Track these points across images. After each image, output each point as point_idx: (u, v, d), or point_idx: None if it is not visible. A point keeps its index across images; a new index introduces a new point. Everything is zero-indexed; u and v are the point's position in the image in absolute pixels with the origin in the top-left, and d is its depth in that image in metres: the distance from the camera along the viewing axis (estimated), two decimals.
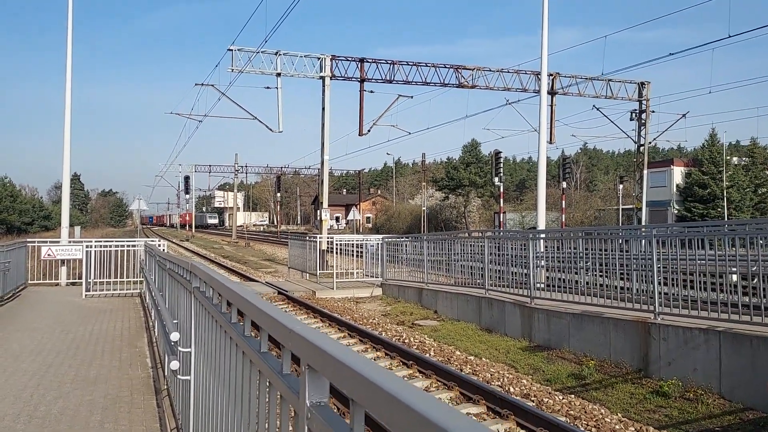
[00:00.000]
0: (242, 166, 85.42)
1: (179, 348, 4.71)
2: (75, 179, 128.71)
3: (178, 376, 4.70)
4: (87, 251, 17.11)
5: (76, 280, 19.13)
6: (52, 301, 15.50)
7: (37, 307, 14.53)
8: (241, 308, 2.56)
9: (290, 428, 1.97)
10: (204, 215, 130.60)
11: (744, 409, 8.07)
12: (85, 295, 16.33)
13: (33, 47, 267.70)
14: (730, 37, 22.67)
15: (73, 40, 20.83)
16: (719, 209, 48.51)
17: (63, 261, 19.42)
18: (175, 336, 4.76)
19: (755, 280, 8.84)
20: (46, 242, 19.55)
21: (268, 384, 2.10)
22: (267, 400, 2.17)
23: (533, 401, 8.68)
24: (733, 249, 9.14)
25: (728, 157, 52.15)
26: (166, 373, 7.02)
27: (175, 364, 4.57)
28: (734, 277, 9.44)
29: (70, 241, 20.08)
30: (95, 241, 18.22)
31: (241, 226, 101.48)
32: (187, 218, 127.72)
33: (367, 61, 30.00)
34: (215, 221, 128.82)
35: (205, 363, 3.76)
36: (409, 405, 1.00)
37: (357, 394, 1.24)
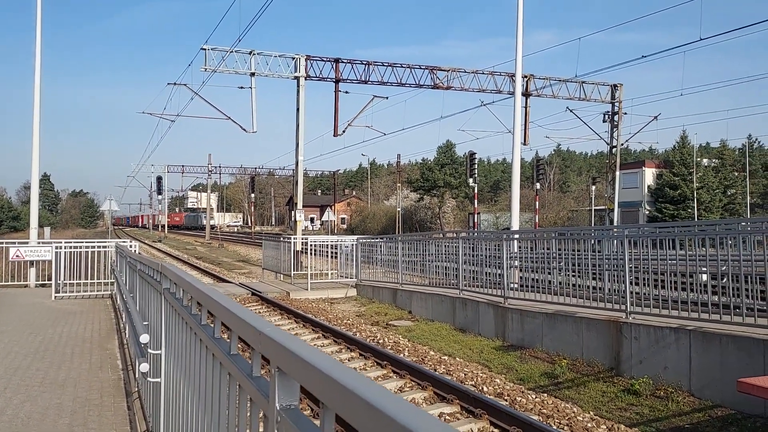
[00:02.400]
0: (216, 167, 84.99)
1: (149, 350, 4.64)
2: (45, 179, 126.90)
3: (148, 379, 4.63)
4: (57, 252, 16.83)
5: (46, 282, 18.82)
6: (20, 303, 15.22)
7: (4, 309, 14.25)
8: (211, 310, 2.51)
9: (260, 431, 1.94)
10: (198, 216, 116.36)
11: (713, 406, 8.18)
12: (55, 296, 16.07)
13: (0, 43, 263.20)
14: (701, 39, 23.03)
15: (42, 37, 20.53)
16: (689, 210, 49.22)
17: (32, 262, 19.10)
18: (144, 338, 4.69)
19: (724, 279, 8.96)
20: (15, 243, 19.20)
21: (238, 387, 2.06)
22: (237, 403, 2.13)
23: (506, 400, 8.71)
24: (703, 249, 9.26)
25: (698, 159, 52.96)
26: (136, 376, 6.92)
27: (144, 367, 4.50)
28: (704, 277, 9.55)
29: (39, 242, 19.75)
30: (65, 242, 17.92)
31: (216, 226, 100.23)
32: (177, 219, 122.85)
33: (342, 62, 29.98)
34: (212, 222, 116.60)
35: (176, 365, 3.70)
36: (380, 408, 0.98)
37: (327, 397, 1.22)
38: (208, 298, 2.60)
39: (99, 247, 17.55)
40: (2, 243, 19.24)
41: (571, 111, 34.80)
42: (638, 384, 8.96)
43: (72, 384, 7.36)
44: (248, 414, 1.98)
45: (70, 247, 17.37)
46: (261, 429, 1.86)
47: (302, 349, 1.42)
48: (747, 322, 8.30)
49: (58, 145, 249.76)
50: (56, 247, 17.06)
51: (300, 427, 1.43)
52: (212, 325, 2.56)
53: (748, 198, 52.98)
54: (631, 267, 10.09)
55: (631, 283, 10.04)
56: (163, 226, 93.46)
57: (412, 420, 0.91)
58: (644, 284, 10.12)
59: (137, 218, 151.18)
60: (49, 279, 17.71)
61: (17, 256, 18.44)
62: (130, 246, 15.43)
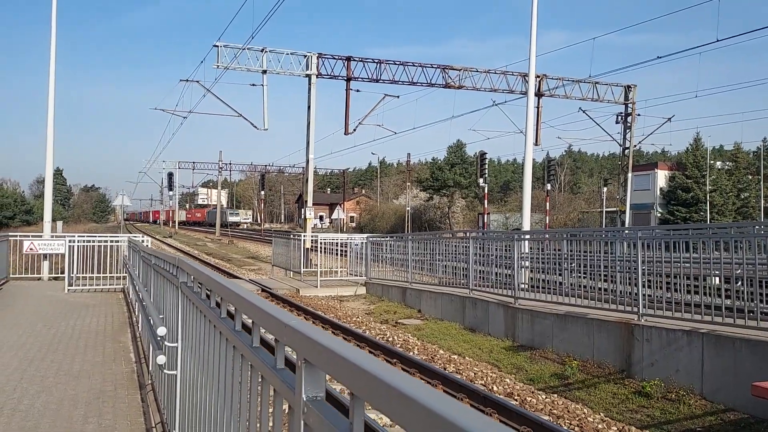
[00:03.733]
0: (226, 164, 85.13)
1: (166, 343, 4.69)
2: (57, 174, 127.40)
3: (165, 371, 4.68)
4: (70, 246, 16.98)
5: (59, 275, 18.97)
6: (34, 296, 15.36)
7: (18, 301, 14.39)
8: (233, 303, 2.55)
9: (283, 422, 1.97)
10: (223, 212, 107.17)
11: (725, 410, 8.16)
12: (68, 289, 16.21)
13: (16, 40, 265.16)
14: (718, 41, 22.76)
15: (58, 33, 20.75)
16: (702, 213, 48.94)
17: (45, 255, 19.26)
18: (161, 331, 4.74)
19: (738, 283, 8.93)
20: (29, 236, 19.38)
21: (260, 378, 2.09)
22: (259, 394, 2.16)
23: (516, 400, 8.72)
24: (716, 252, 9.23)
25: (712, 162, 52.57)
26: (150, 368, 6.99)
27: (161, 359, 4.55)
28: (716, 280, 9.53)
29: (52, 236, 19.92)
30: (78, 236, 18.09)
31: (240, 223, 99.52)
32: (198, 215, 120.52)
33: (354, 60, 29.96)
34: (237, 219, 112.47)
35: (193, 358, 3.75)
36: (413, 396, 1.00)
37: (357, 387, 1.24)
38: (229, 292, 2.63)
39: (111, 241, 17.69)
40: (16, 236, 19.43)
41: (583, 112, 34.63)
42: (649, 386, 8.94)
43: (86, 376, 7.44)
44: (270, 405, 2.00)
45: (83, 241, 17.53)
46: (283, 421, 1.89)
47: (330, 341, 1.45)
48: (762, 326, 8.27)
49: (71, 140, 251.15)
50: (69, 241, 17.21)
51: (327, 417, 1.45)
52: (233, 319, 2.59)
53: (762, 201, 52.57)
54: (643, 269, 10.07)
55: (643, 285, 10.02)
56: (175, 222, 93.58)
57: (445, 407, 0.93)
58: (656, 287, 10.10)
59: (148, 213, 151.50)
60: (62, 272, 17.86)
61: (31, 249, 18.60)
62: (142, 241, 15.54)
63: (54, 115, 20.65)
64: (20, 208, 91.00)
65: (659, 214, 51.00)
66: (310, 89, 29.06)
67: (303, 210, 29.70)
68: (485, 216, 39.19)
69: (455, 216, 71.33)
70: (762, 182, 52.83)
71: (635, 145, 37.03)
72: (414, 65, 31.10)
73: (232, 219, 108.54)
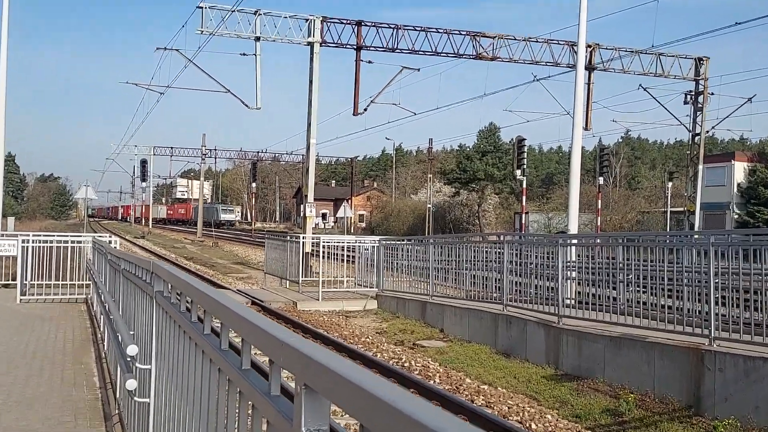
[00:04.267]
0: (211, 150, 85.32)
1: (137, 364, 4.72)
2: (9, 161, 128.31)
3: (135, 398, 4.71)
4: (23, 247, 17.08)
5: (9, 282, 19.09)
6: None
7: None
8: (219, 317, 2.55)
9: None
10: (214, 208, 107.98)
11: None
12: (20, 299, 16.32)
13: None
14: None
15: None
16: None
17: None
18: (132, 350, 4.77)
19: None
20: None
21: (251, 408, 2.10)
22: (249, 426, 2.17)
23: None
24: None
25: None
26: (117, 395, 7.03)
27: (132, 384, 4.58)
28: None
29: (2, 235, 20.07)
30: (33, 235, 18.21)
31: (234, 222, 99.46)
32: (182, 212, 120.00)
33: (366, 25, 29.97)
34: (231, 217, 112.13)
35: (170, 382, 3.77)
36: (432, 427, 1.01)
37: (369, 420, 1.24)
38: (215, 303, 2.64)
39: (73, 242, 17.80)
40: None
41: (644, 89, 34.42)
42: (722, 426, 8.88)
43: (41, 403, 7.49)
44: None
45: (39, 242, 17.64)
46: None
47: (336, 363, 1.44)
48: None
49: (24, 121, 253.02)
50: (23, 241, 17.31)
51: None
52: (218, 336, 2.60)
53: None
54: (716, 283, 10.00)
55: (716, 302, 9.95)
56: (181, 221, 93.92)
57: None
58: (733, 305, 10.03)
59: (117, 209, 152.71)
60: (14, 279, 17.97)
61: None
62: (110, 242, 15.64)
63: (5, 92, 20.82)
64: None
65: (736, 216, 50.67)
66: (312, 60, 29.11)
67: (302, 206, 29.82)
68: (523, 216, 39.06)
69: (486, 215, 71.31)
70: None
71: (707, 131, 36.83)
72: (438, 32, 31.10)
73: (225, 217, 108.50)
